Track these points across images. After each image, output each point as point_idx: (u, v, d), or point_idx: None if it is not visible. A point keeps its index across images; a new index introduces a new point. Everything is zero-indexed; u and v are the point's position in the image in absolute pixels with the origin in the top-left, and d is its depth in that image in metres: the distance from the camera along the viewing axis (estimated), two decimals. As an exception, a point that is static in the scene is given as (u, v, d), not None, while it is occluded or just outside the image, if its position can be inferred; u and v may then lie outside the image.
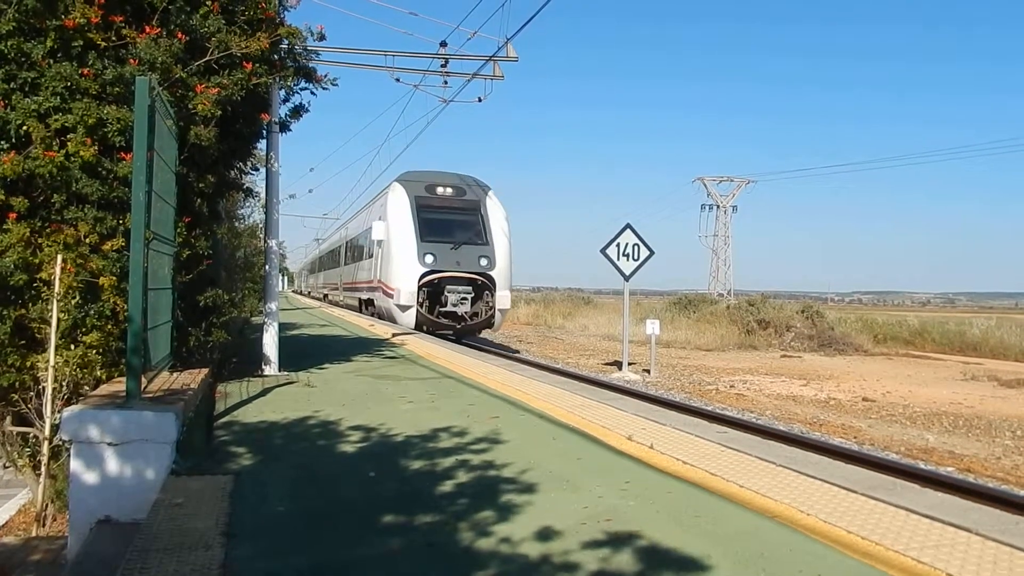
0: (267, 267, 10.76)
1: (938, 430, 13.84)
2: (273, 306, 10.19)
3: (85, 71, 6.49)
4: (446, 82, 19.80)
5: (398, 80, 19.58)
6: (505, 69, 18.93)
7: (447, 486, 4.61)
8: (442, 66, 19.45)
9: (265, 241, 11.15)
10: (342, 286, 37.58)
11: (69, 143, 6.35)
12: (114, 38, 6.68)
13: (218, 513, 4.04)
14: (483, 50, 22.82)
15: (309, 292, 63.34)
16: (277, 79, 8.31)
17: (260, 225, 18.70)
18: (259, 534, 3.82)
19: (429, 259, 22.26)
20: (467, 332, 23.22)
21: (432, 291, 22.30)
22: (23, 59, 6.43)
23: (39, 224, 6.45)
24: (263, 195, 11.43)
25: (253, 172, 11.22)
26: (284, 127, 9.66)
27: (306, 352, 12.39)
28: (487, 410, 7.12)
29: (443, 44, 18.94)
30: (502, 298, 23.04)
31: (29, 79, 6.44)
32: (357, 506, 4.27)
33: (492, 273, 22.80)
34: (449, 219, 23.84)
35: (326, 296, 47.74)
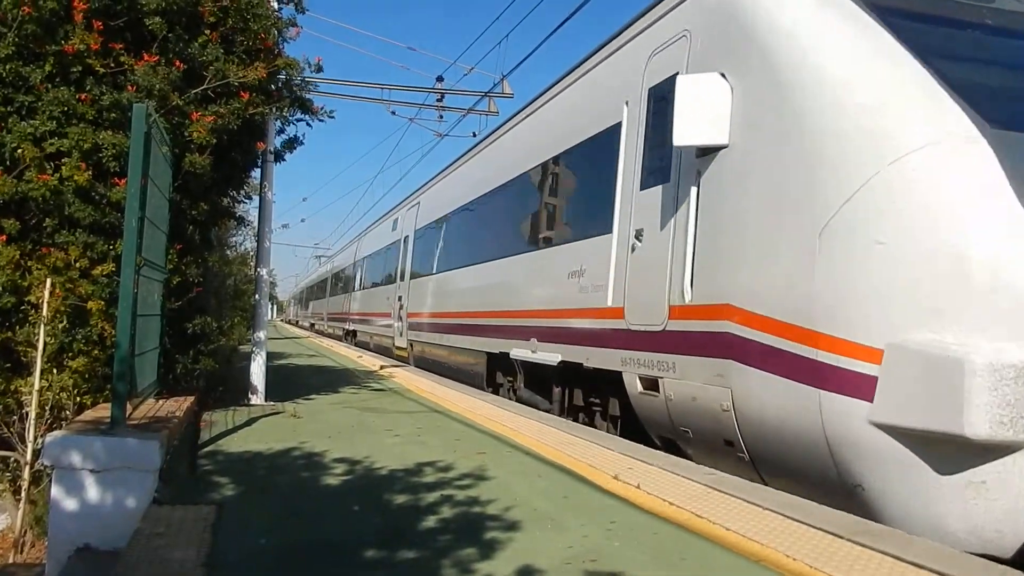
0: (257, 296, 10.74)
1: (925, 475, 13.80)
2: (262, 335, 10.15)
3: (83, 96, 6.53)
4: (441, 116, 20.10)
5: (394, 113, 19.85)
6: (500, 105, 19.15)
7: (431, 521, 4.57)
8: (438, 100, 19.72)
9: (256, 270, 11.11)
10: (405, 318, 18.08)
11: (63, 167, 6.37)
12: (112, 65, 6.74)
13: (199, 544, 3.99)
14: (479, 86, 22.98)
15: (312, 324, 48.80)
16: (274, 109, 8.36)
17: (251, 253, 18.68)
18: (240, 566, 3.77)
19: None
20: None
21: None
22: (21, 83, 6.47)
23: (29, 247, 6.44)
24: (255, 223, 11.45)
25: (246, 200, 11.23)
26: (279, 156, 9.71)
27: (293, 382, 12.31)
28: (473, 445, 7.07)
29: (440, 79, 19.24)
30: None
31: (26, 103, 6.47)
32: (340, 540, 4.22)
33: None
34: None
35: (352, 333, 28.03)
